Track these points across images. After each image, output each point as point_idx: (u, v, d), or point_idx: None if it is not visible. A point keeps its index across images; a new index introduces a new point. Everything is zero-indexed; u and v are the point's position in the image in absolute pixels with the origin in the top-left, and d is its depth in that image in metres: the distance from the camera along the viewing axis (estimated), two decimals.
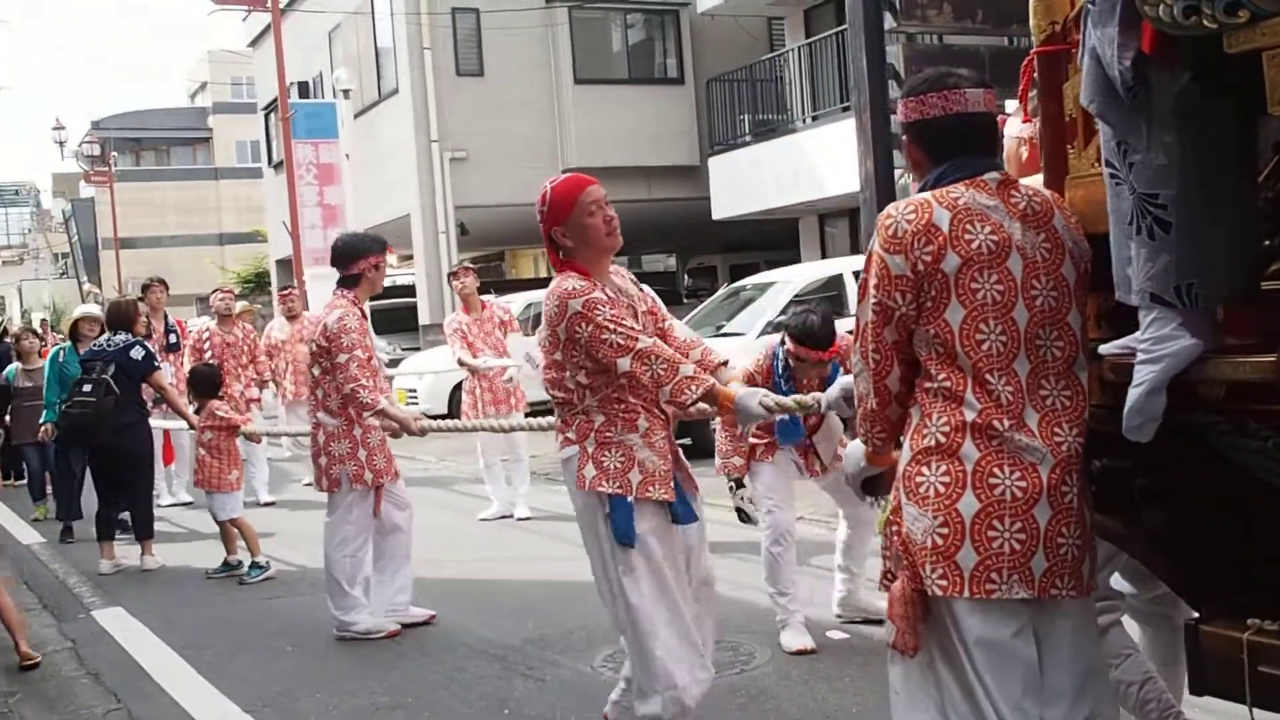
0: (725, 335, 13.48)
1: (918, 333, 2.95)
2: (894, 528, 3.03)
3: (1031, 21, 3.24)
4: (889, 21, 8.89)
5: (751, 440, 6.04)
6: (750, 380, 5.42)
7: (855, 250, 19.42)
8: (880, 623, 5.99)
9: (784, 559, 5.98)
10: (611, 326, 3.90)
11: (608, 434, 4.03)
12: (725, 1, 20.59)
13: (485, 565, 8.54)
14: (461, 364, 9.98)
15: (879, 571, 3.27)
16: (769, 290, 13.99)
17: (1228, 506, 2.90)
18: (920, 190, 3.04)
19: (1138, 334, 2.83)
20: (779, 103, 20.22)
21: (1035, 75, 3.30)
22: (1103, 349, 3.00)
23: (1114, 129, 2.67)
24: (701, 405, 3.96)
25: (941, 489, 2.89)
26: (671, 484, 4.07)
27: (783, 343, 5.86)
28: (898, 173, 8.94)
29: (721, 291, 16.11)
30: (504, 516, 10.15)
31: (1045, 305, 2.90)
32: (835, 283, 13.90)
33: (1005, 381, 2.87)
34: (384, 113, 23.04)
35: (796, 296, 13.47)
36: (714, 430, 6.48)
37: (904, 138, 3.11)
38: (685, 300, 23.01)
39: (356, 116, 22.60)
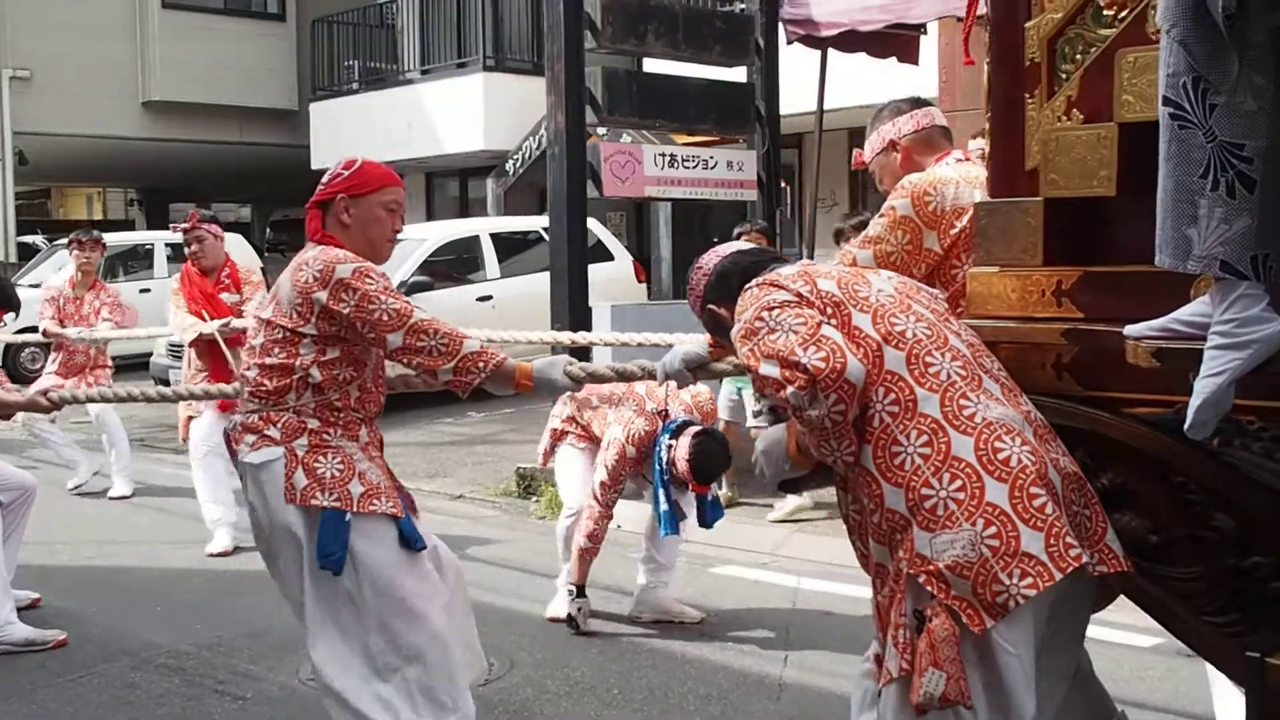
0: None
1: None
2: (914, 572, 2.52)
3: None
4: None
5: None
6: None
7: (464, 212, 18.71)
8: (673, 624, 5.51)
9: None
10: (384, 295, 3.39)
11: (325, 436, 3.45)
12: None
13: (108, 549, 7.23)
14: (47, 334, 8.43)
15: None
16: (400, 247, 12.99)
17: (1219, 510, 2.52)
18: None
19: (1184, 313, 2.46)
20: (389, 51, 19.10)
21: (988, 9, 2.87)
22: (1130, 330, 2.54)
23: (1195, 61, 2.25)
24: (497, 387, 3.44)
25: (961, 496, 2.49)
26: (399, 499, 3.52)
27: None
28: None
29: None
30: (100, 486, 8.77)
31: (933, 309, 2.82)
32: (471, 244, 13.20)
33: (950, 358, 2.67)
34: None
35: (430, 256, 12.67)
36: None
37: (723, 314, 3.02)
38: (266, 255, 21.46)
39: None
